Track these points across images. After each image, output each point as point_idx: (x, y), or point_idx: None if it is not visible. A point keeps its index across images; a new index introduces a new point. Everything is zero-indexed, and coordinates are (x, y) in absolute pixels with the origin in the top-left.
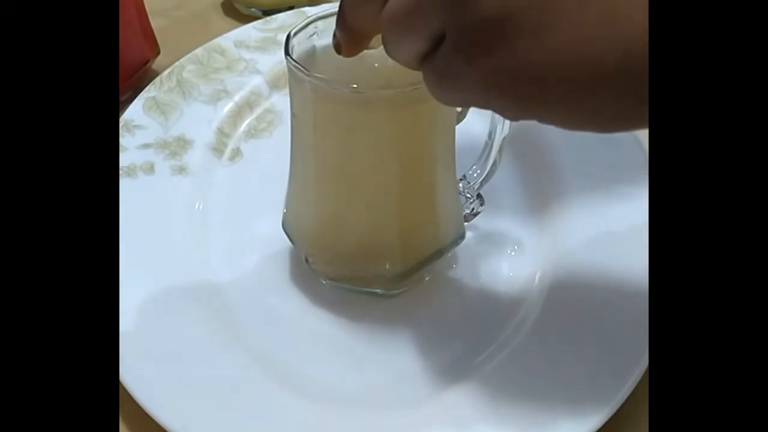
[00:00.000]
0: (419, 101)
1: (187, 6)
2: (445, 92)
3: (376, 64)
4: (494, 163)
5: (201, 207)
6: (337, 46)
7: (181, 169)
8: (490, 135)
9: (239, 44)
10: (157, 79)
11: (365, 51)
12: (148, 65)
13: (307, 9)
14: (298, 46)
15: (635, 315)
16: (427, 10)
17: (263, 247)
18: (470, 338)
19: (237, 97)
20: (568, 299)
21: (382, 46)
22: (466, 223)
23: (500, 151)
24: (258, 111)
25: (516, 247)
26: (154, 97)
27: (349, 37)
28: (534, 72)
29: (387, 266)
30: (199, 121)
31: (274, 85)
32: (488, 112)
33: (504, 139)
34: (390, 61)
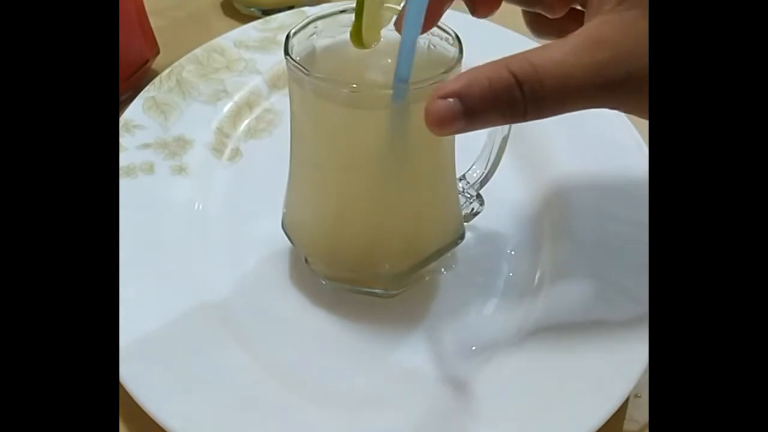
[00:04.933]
0: (419, 101)
1: (187, 6)
2: None
3: (375, 64)
4: (494, 163)
5: (201, 207)
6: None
7: (181, 169)
8: (490, 135)
9: (239, 44)
10: (157, 79)
11: (364, 51)
12: (147, 65)
13: (306, 9)
14: (298, 46)
15: (635, 315)
16: None
17: (263, 247)
18: (470, 338)
19: (236, 97)
20: (568, 299)
21: (380, 46)
22: (466, 223)
23: (500, 151)
24: (258, 111)
25: (516, 247)
26: (153, 97)
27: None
28: None
29: (387, 266)
30: (198, 121)
31: (273, 85)
32: None
33: (504, 139)
34: (389, 61)
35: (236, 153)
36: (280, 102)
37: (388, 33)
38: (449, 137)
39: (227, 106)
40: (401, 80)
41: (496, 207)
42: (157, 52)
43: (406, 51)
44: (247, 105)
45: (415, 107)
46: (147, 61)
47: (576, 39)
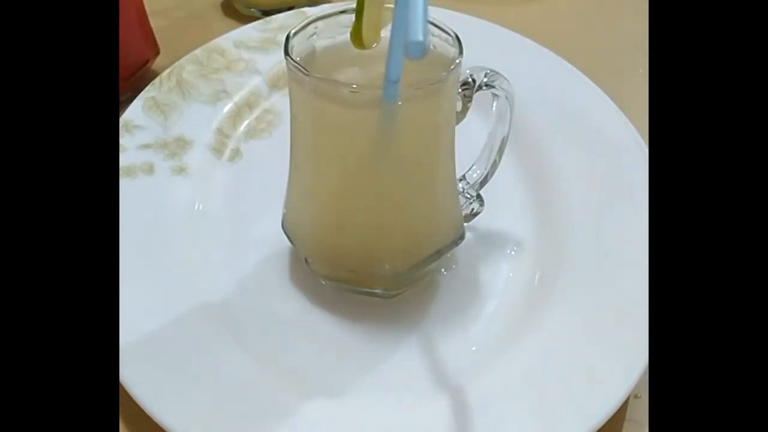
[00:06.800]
0: (419, 101)
1: (187, 6)
2: None
3: (375, 65)
4: (494, 163)
5: (201, 207)
6: None
7: (181, 170)
8: (490, 135)
9: (239, 45)
10: (157, 79)
11: (364, 51)
12: (147, 65)
13: (307, 9)
14: (298, 46)
15: (635, 315)
16: None
17: (263, 248)
18: (470, 339)
19: (236, 98)
20: (568, 299)
21: (380, 47)
22: (466, 224)
23: (500, 151)
24: (257, 111)
25: (516, 247)
26: (153, 98)
27: None
28: None
29: (387, 266)
30: (198, 121)
31: (273, 86)
32: (488, 113)
33: (504, 139)
34: None
35: (236, 153)
36: (280, 102)
37: (389, 33)
38: (449, 137)
39: (227, 107)
40: (392, 81)
41: (496, 207)
42: (157, 53)
43: (396, 51)
44: (247, 105)
45: (415, 108)
46: (147, 61)
47: None
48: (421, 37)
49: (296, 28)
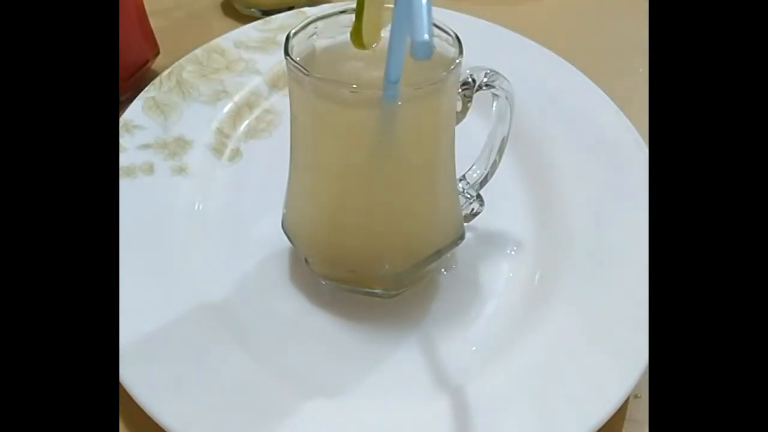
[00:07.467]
0: (419, 101)
1: (187, 6)
2: None
3: (375, 65)
4: (494, 163)
5: (201, 207)
6: None
7: (181, 170)
8: (490, 135)
9: (239, 44)
10: (157, 79)
11: (364, 52)
12: (147, 65)
13: (306, 9)
14: (298, 46)
15: (635, 315)
16: None
17: (263, 248)
18: (470, 338)
19: (236, 98)
20: (568, 299)
21: (380, 47)
22: (466, 224)
23: (500, 151)
24: (257, 111)
25: (516, 247)
26: (153, 98)
27: None
28: None
29: (387, 266)
30: (198, 121)
31: (273, 86)
32: (488, 113)
33: (504, 139)
34: None
35: (236, 153)
36: (280, 102)
37: (389, 33)
38: (449, 137)
39: (227, 107)
40: (392, 81)
41: (496, 207)
42: (157, 53)
43: (396, 51)
44: (247, 105)
45: (415, 108)
46: (147, 61)
47: None
48: (427, 37)
49: (296, 28)
